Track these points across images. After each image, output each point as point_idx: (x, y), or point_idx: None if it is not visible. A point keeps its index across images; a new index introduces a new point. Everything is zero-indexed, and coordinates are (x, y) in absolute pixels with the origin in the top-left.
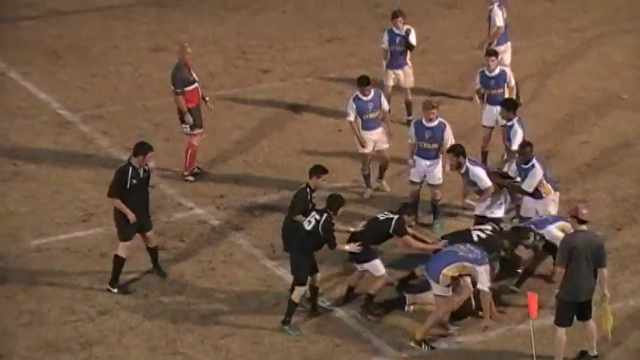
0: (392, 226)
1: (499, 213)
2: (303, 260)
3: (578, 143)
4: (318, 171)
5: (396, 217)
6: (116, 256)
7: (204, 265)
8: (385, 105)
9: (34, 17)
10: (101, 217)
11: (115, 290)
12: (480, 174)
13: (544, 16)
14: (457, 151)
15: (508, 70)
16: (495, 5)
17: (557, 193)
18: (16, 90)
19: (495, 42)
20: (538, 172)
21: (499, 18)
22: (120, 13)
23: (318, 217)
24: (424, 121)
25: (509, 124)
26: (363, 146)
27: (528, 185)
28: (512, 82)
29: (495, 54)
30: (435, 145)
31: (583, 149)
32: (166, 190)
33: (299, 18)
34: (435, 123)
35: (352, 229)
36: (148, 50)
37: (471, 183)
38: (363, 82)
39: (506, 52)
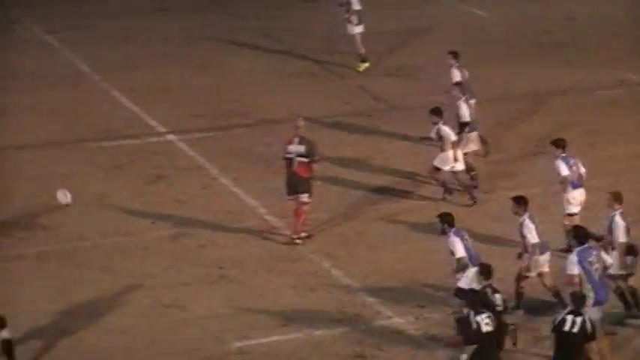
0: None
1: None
2: None
3: None
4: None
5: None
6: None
7: None
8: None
9: (246, 125)
10: (301, 322)
11: None
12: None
13: None
14: None
15: None
16: None
17: None
18: (227, 195)
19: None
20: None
21: None
22: (330, 122)
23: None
24: None
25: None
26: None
27: None
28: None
29: None
30: None
31: None
32: (366, 298)
33: None
34: None
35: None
36: None
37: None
38: None
39: None
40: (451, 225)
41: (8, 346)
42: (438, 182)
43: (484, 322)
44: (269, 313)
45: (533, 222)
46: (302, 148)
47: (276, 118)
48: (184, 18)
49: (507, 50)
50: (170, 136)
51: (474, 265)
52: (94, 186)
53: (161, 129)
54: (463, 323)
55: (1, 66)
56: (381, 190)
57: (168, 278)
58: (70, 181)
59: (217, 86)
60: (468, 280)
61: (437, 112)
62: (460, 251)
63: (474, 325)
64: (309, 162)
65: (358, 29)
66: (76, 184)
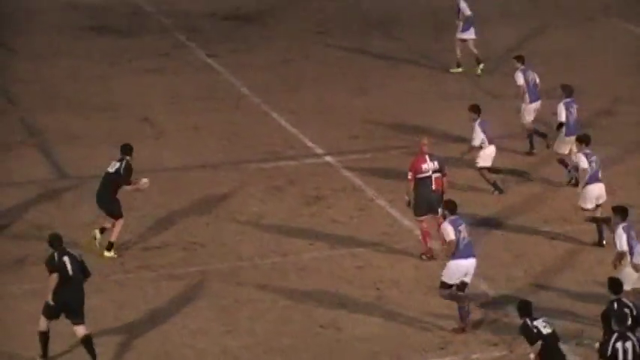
0: None
1: None
2: None
3: None
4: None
5: None
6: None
7: None
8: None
9: (402, 147)
10: (458, 345)
11: None
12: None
13: None
14: None
15: None
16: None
17: None
18: (383, 217)
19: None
20: None
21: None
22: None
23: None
24: None
25: None
26: None
27: None
28: None
29: None
30: None
31: None
32: None
33: None
34: None
35: None
36: None
37: None
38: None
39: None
40: (452, 212)
41: (88, 340)
42: (489, 180)
43: (542, 326)
44: (425, 334)
45: (626, 231)
46: (436, 164)
47: (433, 140)
48: (343, 40)
49: None
50: (327, 158)
51: (459, 258)
52: (252, 206)
53: (319, 150)
54: (525, 330)
55: (166, 89)
56: (547, 220)
57: (324, 299)
58: (229, 202)
59: (374, 107)
60: (449, 273)
61: (473, 109)
62: (450, 234)
63: (534, 330)
64: (442, 176)
65: (465, 35)
66: (235, 205)
